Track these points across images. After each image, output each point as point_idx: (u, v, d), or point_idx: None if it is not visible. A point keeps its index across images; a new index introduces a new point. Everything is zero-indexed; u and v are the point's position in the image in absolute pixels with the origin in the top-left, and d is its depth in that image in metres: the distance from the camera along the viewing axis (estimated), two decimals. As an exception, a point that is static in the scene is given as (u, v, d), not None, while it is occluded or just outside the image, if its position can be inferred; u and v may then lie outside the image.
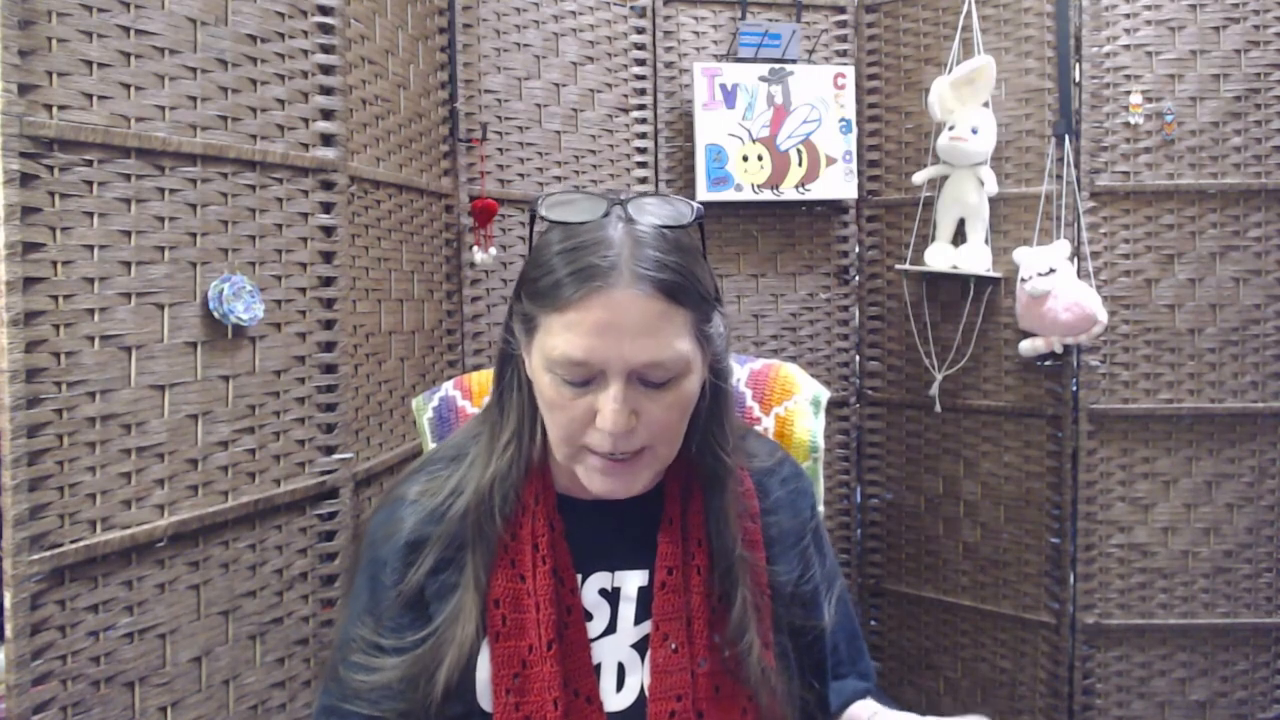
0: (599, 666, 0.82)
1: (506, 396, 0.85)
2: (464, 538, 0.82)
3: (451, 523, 0.82)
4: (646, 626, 0.83)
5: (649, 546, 0.84)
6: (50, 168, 1.14)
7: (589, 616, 0.83)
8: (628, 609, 0.84)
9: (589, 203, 0.77)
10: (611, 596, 0.84)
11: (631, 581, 0.84)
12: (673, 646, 0.80)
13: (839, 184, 2.32)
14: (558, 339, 0.73)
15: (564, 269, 0.73)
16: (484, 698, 0.80)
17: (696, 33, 2.36)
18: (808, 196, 2.32)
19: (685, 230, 0.78)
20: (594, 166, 2.26)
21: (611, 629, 0.84)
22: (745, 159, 2.27)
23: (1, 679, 1.11)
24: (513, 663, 0.78)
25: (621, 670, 0.82)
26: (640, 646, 0.83)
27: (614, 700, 0.81)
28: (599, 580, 0.85)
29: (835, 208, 2.42)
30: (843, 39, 2.42)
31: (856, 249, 2.46)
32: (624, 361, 0.72)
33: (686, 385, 0.76)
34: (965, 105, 2.13)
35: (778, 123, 2.29)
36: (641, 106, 2.32)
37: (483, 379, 1.30)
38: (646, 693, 0.81)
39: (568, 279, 0.72)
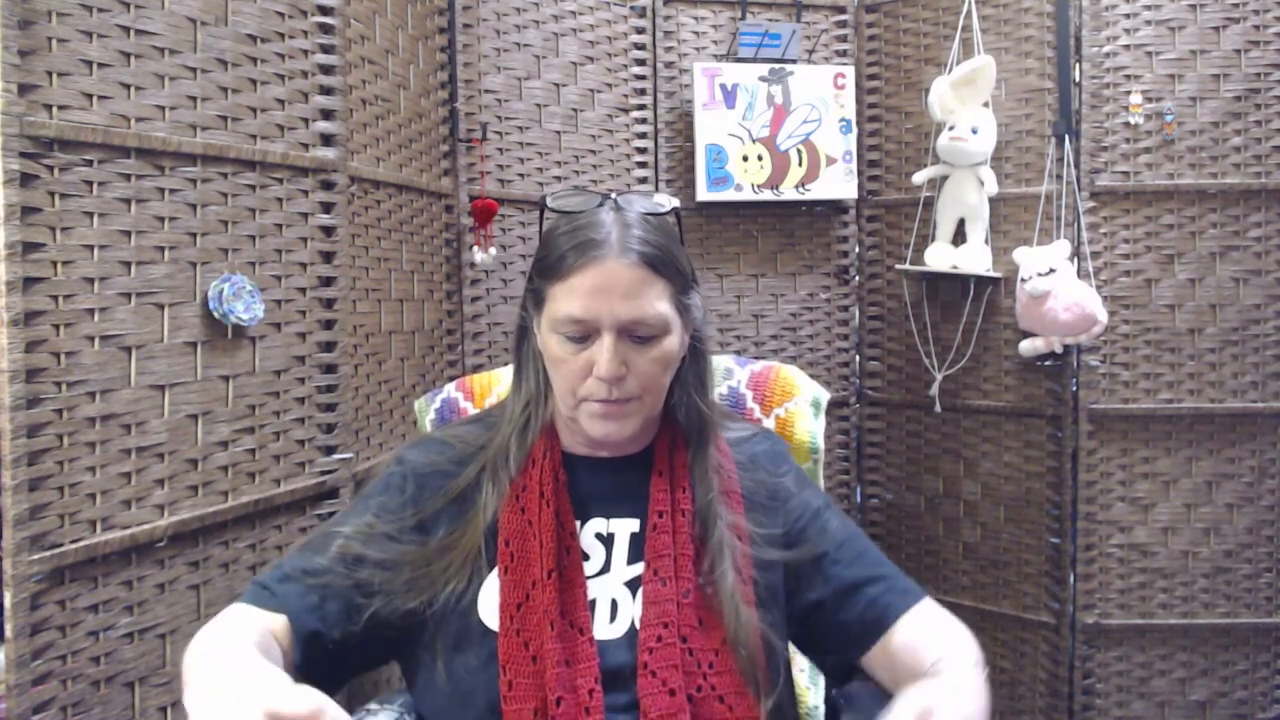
0: (594, 602, 0.91)
1: (524, 367, 0.99)
2: (481, 480, 0.95)
3: (473, 467, 0.96)
4: (637, 568, 0.93)
5: (641, 497, 0.95)
6: (50, 168, 1.14)
7: (586, 557, 0.93)
8: (621, 551, 0.94)
9: (586, 197, 0.95)
10: (607, 540, 0.95)
11: (625, 528, 0.95)
12: (662, 580, 0.89)
13: (839, 184, 2.32)
14: (561, 302, 0.89)
15: (566, 246, 0.89)
16: (489, 617, 0.89)
17: (696, 33, 2.36)
18: (808, 196, 2.32)
19: (665, 219, 0.95)
20: (594, 166, 2.26)
21: (606, 569, 0.94)
22: (745, 159, 2.27)
23: (1, 679, 1.11)
24: (517, 593, 0.88)
25: (615, 605, 0.92)
26: (632, 585, 0.92)
27: (608, 630, 0.90)
28: (596, 525, 0.95)
29: (835, 208, 2.42)
30: (843, 39, 2.42)
31: (856, 249, 2.46)
32: (614, 317, 0.87)
33: (667, 343, 0.91)
34: (965, 105, 2.13)
35: (778, 123, 2.29)
36: (641, 106, 2.32)
37: (484, 381, 1.30)
38: (638, 623, 0.89)
39: (569, 253, 0.89)
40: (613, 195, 0.94)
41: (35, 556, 1.11)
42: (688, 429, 0.98)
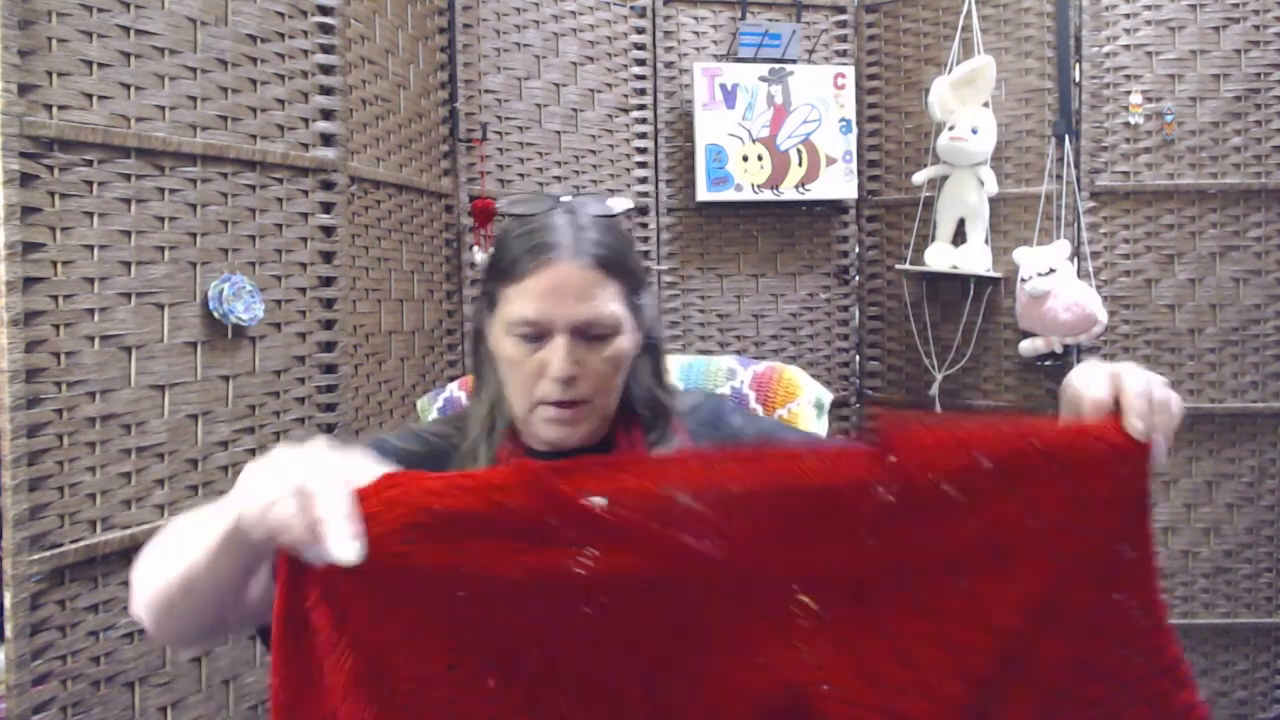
0: None
1: (483, 370, 1.00)
2: None
3: (451, 466, 0.96)
4: None
5: None
6: (50, 168, 1.14)
7: None
8: None
9: (538, 200, 0.96)
10: None
11: None
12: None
13: (839, 184, 2.32)
14: (515, 304, 0.89)
15: (519, 249, 0.90)
16: None
17: (696, 33, 2.36)
18: (808, 196, 2.31)
19: (616, 221, 0.96)
20: (594, 166, 2.26)
21: None
22: (745, 159, 2.27)
23: (1, 679, 1.11)
24: None
25: None
26: None
27: None
28: None
29: (835, 208, 2.42)
30: (843, 39, 2.42)
31: (856, 249, 2.46)
32: (566, 319, 0.88)
33: (620, 342, 0.92)
34: (965, 105, 2.13)
35: (778, 123, 2.29)
36: (641, 106, 2.32)
37: (483, 379, 1.30)
38: None
39: (523, 255, 0.90)
40: (564, 198, 0.95)
41: (35, 556, 1.11)
42: (646, 419, 1.00)
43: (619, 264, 0.92)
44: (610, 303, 0.90)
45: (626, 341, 0.94)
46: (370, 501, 0.58)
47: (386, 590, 0.58)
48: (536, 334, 0.90)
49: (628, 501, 0.59)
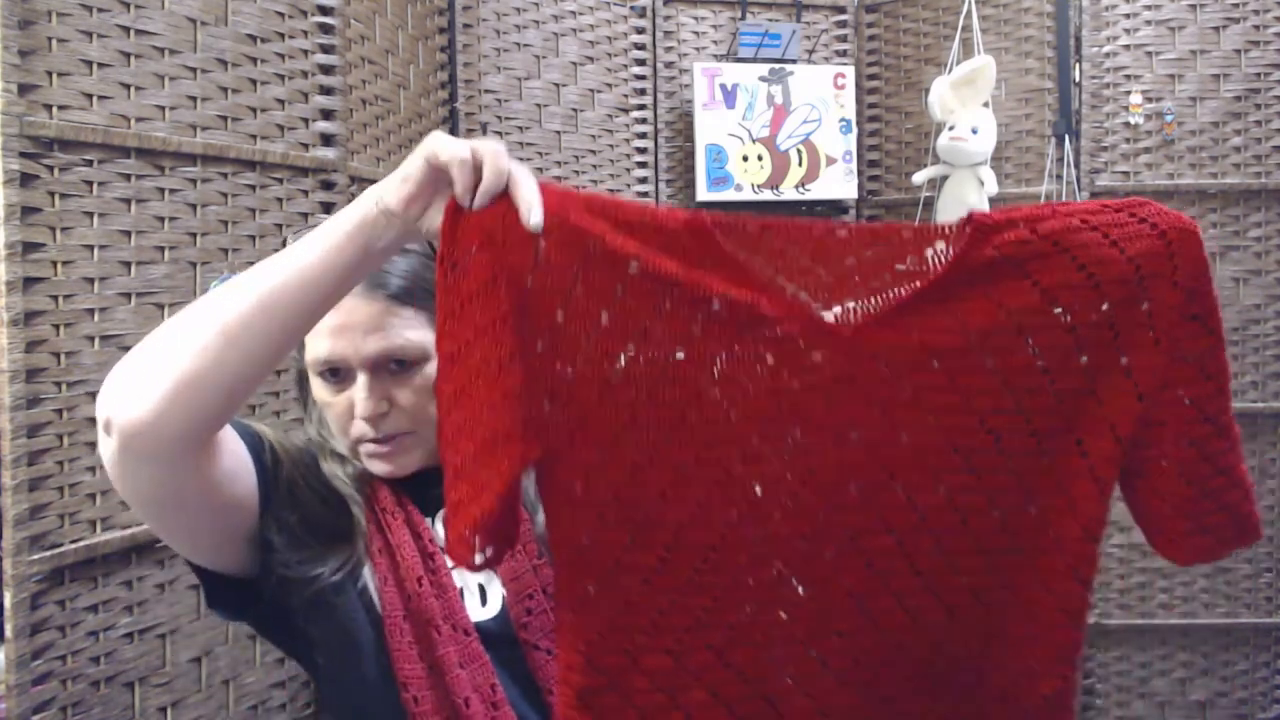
0: (462, 589, 0.91)
1: (309, 411, 0.97)
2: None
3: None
4: None
5: None
6: (50, 168, 1.14)
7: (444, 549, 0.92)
8: None
9: None
10: None
11: None
12: (513, 555, 0.90)
13: (839, 184, 2.32)
14: (310, 344, 0.88)
15: None
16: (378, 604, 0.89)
17: (696, 33, 2.36)
18: (808, 196, 2.32)
19: (421, 245, 0.92)
20: (594, 166, 2.26)
21: None
22: (745, 159, 2.27)
23: (1, 679, 1.11)
24: (398, 604, 0.88)
25: (483, 589, 0.93)
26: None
27: (482, 613, 0.91)
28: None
29: (835, 208, 2.42)
30: (843, 39, 2.42)
31: (856, 249, 2.45)
32: (360, 354, 0.86)
33: (429, 369, 0.87)
34: (965, 105, 2.13)
35: (778, 123, 2.29)
36: (641, 106, 2.32)
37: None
38: (506, 598, 0.91)
39: None
40: None
41: (35, 556, 1.11)
42: None
43: (418, 289, 0.88)
44: (408, 330, 0.87)
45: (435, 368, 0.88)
46: (565, 197, 0.66)
47: (559, 260, 0.66)
48: (337, 373, 0.87)
49: (771, 261, 0.67)
